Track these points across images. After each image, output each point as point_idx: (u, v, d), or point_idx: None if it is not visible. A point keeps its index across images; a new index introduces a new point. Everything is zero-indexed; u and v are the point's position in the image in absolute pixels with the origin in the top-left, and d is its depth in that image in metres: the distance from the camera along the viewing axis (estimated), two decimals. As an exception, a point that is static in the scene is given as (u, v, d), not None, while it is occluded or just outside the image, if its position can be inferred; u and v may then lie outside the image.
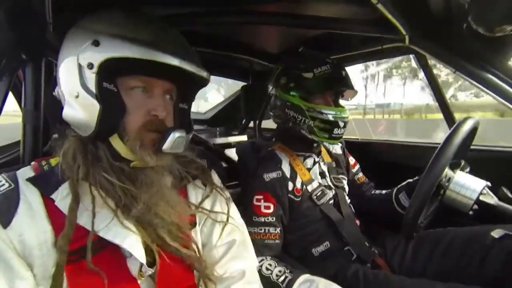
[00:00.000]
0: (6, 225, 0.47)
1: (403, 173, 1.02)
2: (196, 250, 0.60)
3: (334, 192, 1.03)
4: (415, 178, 0.96)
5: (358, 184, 1.18)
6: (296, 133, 0.98)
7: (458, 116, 1.13)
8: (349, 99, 1.08)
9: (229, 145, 1.53)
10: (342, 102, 1.05)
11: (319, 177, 1.02)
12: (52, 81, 0.58)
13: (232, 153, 1.30)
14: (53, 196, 0.51)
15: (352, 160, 1.20)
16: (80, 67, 0.50)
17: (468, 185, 0.75)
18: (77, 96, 0.51)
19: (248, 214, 0.90)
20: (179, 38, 0.59)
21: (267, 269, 0.83)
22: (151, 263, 0.53)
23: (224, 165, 1.19)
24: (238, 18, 0.95)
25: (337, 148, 1.17)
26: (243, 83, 1.64)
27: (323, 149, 1.09)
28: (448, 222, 0.96)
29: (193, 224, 0.63)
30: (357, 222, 1.03)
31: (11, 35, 0.67)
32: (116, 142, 0.54)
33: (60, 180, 0.52)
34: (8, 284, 0.45)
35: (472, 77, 0.82)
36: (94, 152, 0.53)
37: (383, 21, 0.83)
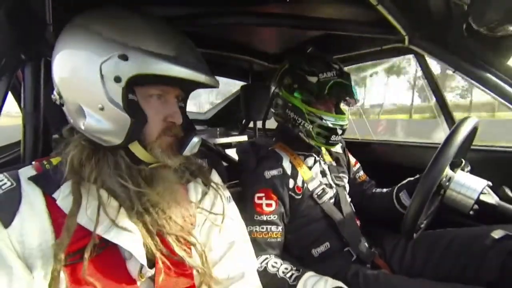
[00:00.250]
0: (7, 224, 0.47)
1: (403, 174, 1.02)
2: (202, 253, 0.60)
3: (335, 190, 1.02)
4: (416, 177, 0.96)
5: (359, 183, 1.17)
6: (294, 135, 0.98)
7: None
8: (350, 105, 1.08)
9: (229, 145, 1.53)
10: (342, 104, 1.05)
11: (320, 175, 1.02)
12: (51, 81, 0.58)
13: (232, 153, 1.30)
14: (54, 195, 0.51)
15: (352, 159, 1.20)
16: (102, 77, 0.49)
17: (468, 185, 0.75)
18: (102, 109, 0.50)
19: (249, 212, 0.89)
20: (194, 49, 0.60)
21: (273, 266, 0.83)
22: (150, 264, 0.53)
23: (224, 164, 1.19)
24: (238, 19, 0.95)
25: (337, 147, 1.16)
26: (238, 83, 1.64)
27: (323, 148, 1.09)
28: (448, 222, 0.96)
29: (193, 226, 0.63)
30: (357, 222, 1.03)
31: (10, 35, 0.67)
32: (135, 148, 0.55)
33: (62, 179, 0.52)
34: (8, 284, 0.45)
35: (472, 77, 0.82)
36: (110, 158, 0.55)
37: (383, 22, 0.84)
